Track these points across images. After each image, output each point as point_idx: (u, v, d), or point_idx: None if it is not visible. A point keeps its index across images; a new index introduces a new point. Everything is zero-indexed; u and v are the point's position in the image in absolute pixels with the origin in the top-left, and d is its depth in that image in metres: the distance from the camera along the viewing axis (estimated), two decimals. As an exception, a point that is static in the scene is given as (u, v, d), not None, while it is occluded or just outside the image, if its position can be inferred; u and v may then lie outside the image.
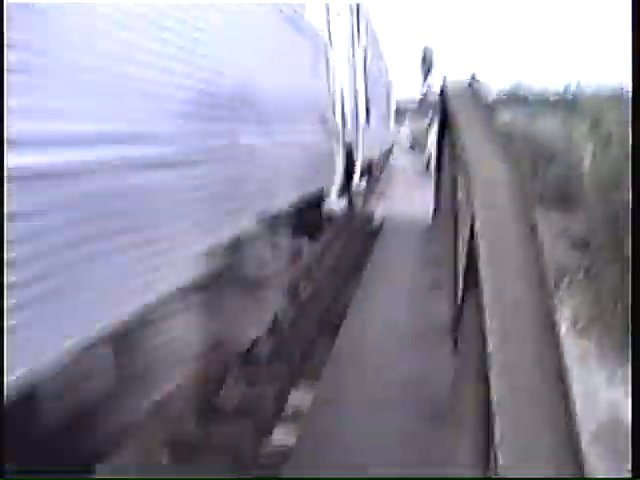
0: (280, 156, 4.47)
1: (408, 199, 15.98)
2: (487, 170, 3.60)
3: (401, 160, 36.12)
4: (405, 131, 58.01)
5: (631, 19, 3.52)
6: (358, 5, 10.15)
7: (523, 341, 2.58)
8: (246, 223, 3.64)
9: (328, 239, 8.15)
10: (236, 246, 3.57)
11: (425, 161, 24.69)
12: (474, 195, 3.49)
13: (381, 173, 21.48)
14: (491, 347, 2.51)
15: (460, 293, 4.20)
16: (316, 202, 6.12)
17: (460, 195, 5.37)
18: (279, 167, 4.43)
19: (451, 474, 2.97)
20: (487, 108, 5.08)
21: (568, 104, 33.79)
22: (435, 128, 12.53)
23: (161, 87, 2.56)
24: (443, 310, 5.42)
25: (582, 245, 8.30)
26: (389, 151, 25.69)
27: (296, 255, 5.82)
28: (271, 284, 4.73)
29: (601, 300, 6.84)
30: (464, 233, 4.71)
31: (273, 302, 5.03)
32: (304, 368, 5.32)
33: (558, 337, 2.63)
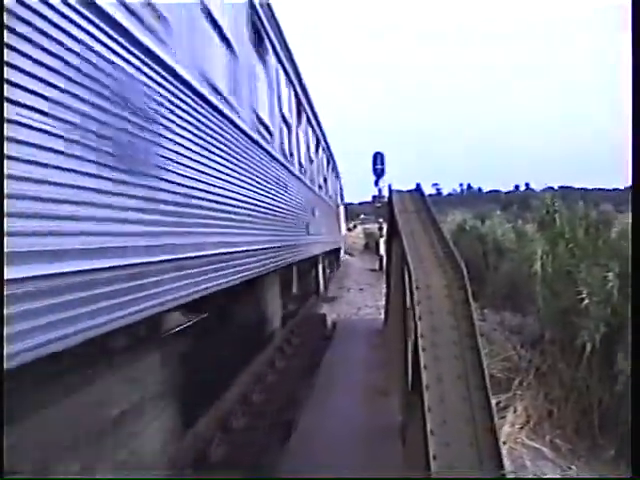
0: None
1: (360, 297, 16.13)
2: (427, 276, 3.71)
3: (356, 258, 36.55)
4: (359, 230, 59.31)
5: (631, 19, 3.69)
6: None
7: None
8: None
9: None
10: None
11: (378, 260, 25.19)
12: (417, 301, 3.59)
13: (338, 268, 22.61)
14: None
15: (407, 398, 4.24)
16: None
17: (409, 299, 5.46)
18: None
19: (451, 474, 2.95)
20: (430, 215, 5.24)
21: (519, 203, 34.67)
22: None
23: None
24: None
25: (532, 344, 8.39)
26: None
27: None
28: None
29: (551, 399, 6.90)
30: (412, 337, 4.78)
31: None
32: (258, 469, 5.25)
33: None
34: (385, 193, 26.85)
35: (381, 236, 26.42)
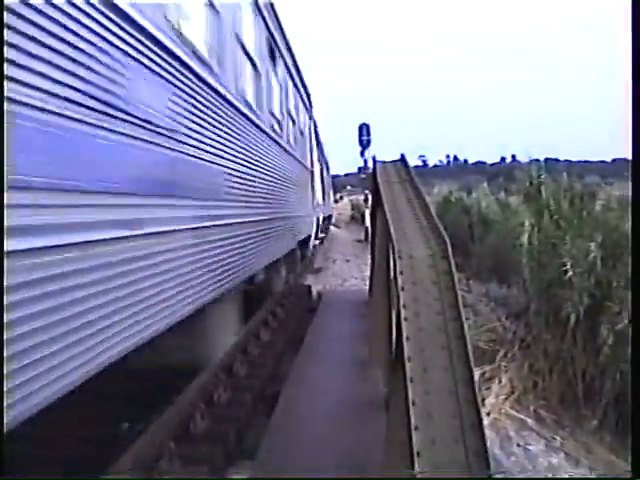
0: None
1: (346, 268, 16.12)
2: (409, 247, 3.66)
3: (342, 230, 36.58)
4: (345, 202, 59.46)
5: (631, 20, 3.64)
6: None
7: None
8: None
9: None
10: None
11: (364, 231, 25.23)
12: (400, 271, 3.55)
13: (324, 239, 22.59)
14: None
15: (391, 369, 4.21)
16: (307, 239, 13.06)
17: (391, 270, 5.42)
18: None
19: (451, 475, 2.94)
20: (414, 185, 5.19)
21: (505, 175, 34.65)
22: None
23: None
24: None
25: (517, 315, 8.40)
26: (330, 217, 31.01)
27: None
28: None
29: (536, 370, 6.91)
30: (396, 308, 4.75)
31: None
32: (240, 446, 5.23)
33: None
34: (370, 165, 26.87)
35: (367, 207, 26.35)
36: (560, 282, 6.91)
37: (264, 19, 7.80)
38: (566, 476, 5.40)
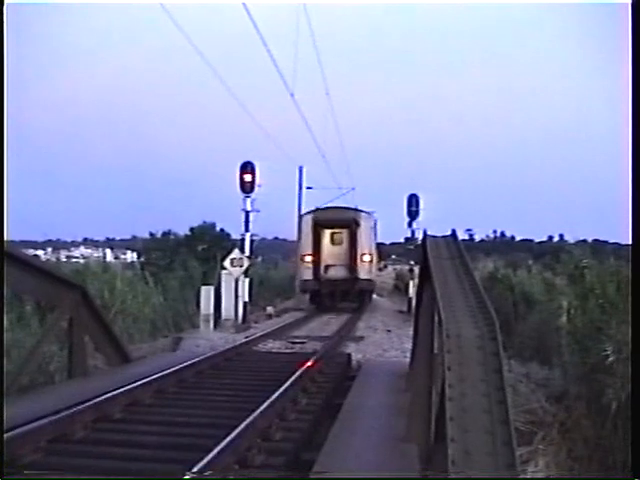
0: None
1: (387, 339, 16.12)
2: (458, 326, 3.72)
3: (385, 299, 36.49)
4: (389, 270, 59.65)
5: (631, 19, 3.69)
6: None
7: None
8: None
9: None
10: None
11: (407, 302, 25.13)
12: (447, 350, 3.60)
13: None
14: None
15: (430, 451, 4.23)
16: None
17: (436, 345, 5.45)
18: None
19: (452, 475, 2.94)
20: (464, 262, 5.26)
21: (551, 254, 34.42)
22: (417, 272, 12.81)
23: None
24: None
25: (558, 398, 8.33)
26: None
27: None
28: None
29: (575, 456, 6.82)
30: (437, 385, 4.78)
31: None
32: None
33: None
34: (417, 235, 27.09)
35: (411, 278, 26.29)
36: (603, 367, 6.87)
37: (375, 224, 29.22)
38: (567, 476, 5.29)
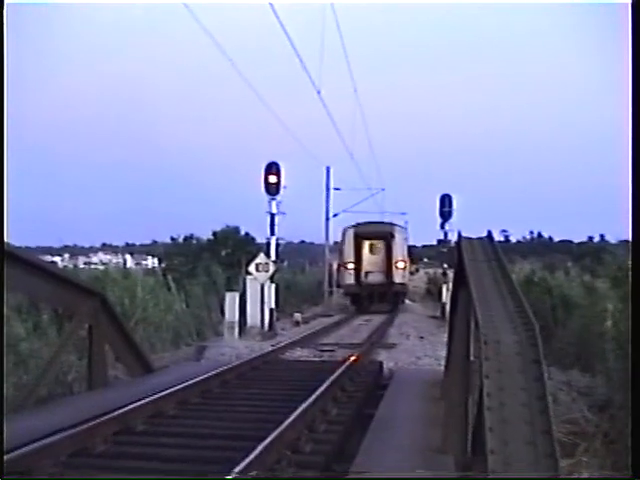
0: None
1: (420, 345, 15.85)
2: (496, 332, 3.47)
3: (418, 304, 36.29)
4: (421, 274, 59.20)
5: (631, 19, 3.50)
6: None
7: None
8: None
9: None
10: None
11: (440, 307, 24.81)
12: (485, 357, 3.36)
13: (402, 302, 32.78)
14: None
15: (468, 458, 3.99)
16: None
17: (472, 352, 5.23)
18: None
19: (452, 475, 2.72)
20: (501, 265, 5.01)
21: (592, 256, 33.82)
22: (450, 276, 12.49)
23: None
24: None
25: (601, 407, 8.00)
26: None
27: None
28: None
29: (620, 467, 6.48)
30: (475, 394, 4.52)
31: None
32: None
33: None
34: (450, 237, 26.91)
35: (445, 282, 25.94)
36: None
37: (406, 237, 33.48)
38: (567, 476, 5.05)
